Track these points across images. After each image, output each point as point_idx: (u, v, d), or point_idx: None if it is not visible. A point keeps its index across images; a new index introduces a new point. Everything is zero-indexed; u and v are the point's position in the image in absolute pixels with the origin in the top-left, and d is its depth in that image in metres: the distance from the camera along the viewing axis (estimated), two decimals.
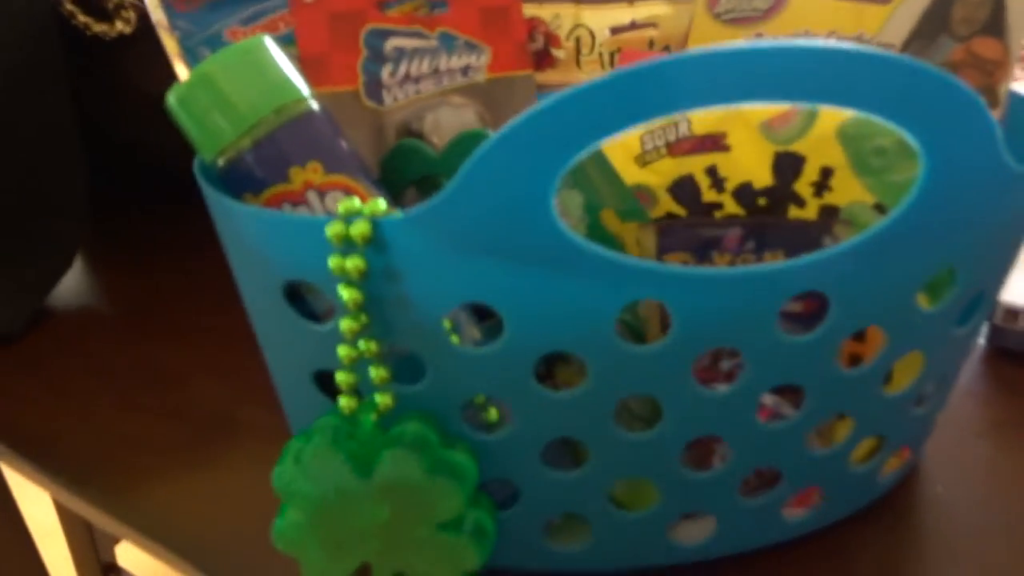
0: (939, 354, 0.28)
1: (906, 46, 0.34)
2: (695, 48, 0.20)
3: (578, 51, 0.39)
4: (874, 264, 0.24)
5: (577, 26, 0.39)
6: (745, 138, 0.31)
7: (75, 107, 0.48)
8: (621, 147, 0.33)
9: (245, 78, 0.28)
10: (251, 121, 0.27)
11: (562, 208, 0.31)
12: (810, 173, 0.30)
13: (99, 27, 0.48)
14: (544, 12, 0.39)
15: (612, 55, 0.39)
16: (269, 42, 0.28)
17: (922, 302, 0.26)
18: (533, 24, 0.39)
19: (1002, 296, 0.40)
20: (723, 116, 0.32)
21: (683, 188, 0.32)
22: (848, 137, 0.30)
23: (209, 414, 0.41)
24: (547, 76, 0.39)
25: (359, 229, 0.23)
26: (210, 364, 0.44)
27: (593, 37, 0.39)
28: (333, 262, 0.23)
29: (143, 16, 0.49)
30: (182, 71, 0.30)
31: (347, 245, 0.23)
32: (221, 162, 0.28)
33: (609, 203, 0.31)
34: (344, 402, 0.25)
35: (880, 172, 0.29)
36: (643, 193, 0.33)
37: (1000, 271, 0.28)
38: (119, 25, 0.49)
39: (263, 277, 0.27)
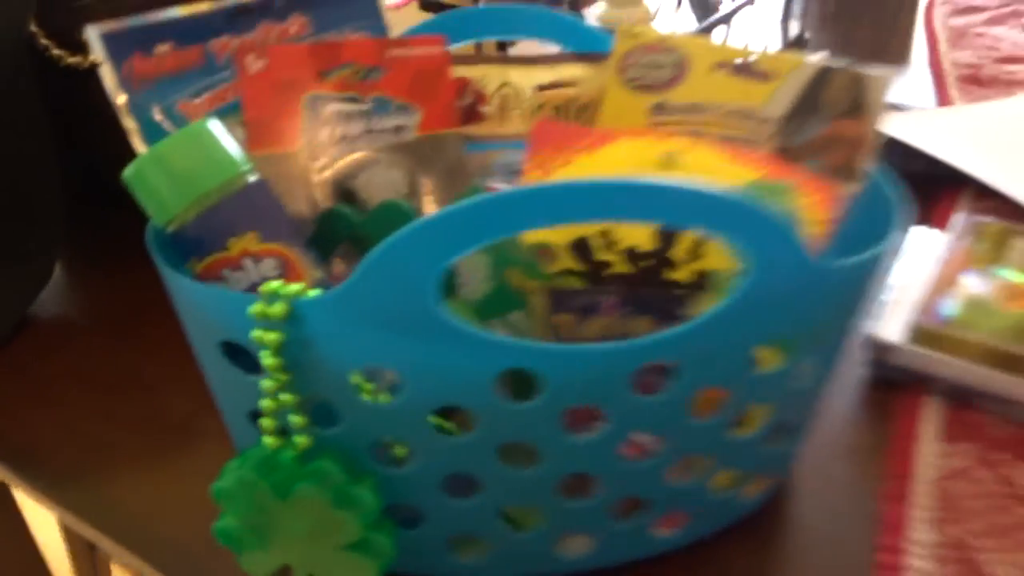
0: (784, 405, 0.33)
1: (784, 121, 0.39)
2: (550, 180, 0.25)
3: (503, 107, 0.43)
4: (709, 341, 0.29)
5: (504, 84, 0.43)
6: None
7: (53, 127, 0.52)
8: None
9: (190, 158, 0.32)
10: (194, 196, 0.32)
11: (471, 269, 0.36)
12: (685, 242, 0.35)
13: (72, 59, 0.52)
14: (473, 72, 0.43)
15: (535, 110, 0.44)
16: (214, 124, 0.33)
17: (772, 361, 0.31)
18: (463, 83, 0.43)
19: (879, 332, 0.45)
20: None
21: (580, 248, 0.37)
22: None
23: (177, 423, 0.46)
24: (476, 129, 0.44)
25: (277, 309, 0.28)
26: (180, 375, 0.49)
27: (518, 94, 0.43)
28: (255, 335, 0.28)
29: None
30: (140, 147, 0.35)
31: (267, 321, 0.28)
32: (170, 229, 0.32)
33: (513, 263, 0.36)
34: (268, 441, 0.30)
35: None
36: (546, 250, 0.37)
37: (834, 339, 0.32)
38: (92, 56, 0.53)
39: (203, 334, 0.31)
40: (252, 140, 0.38)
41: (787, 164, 0.34)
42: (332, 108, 0.39)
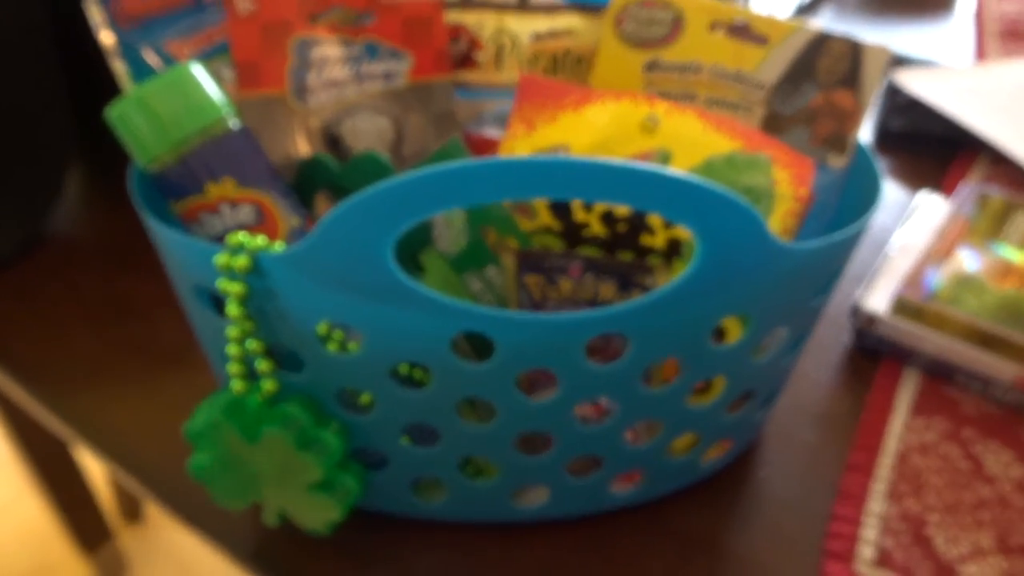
0: (746, 378, 0.33)
1: (777, 87, 0.38)
2: (500, 156, 0.25)
3: (499, 55, 0.43)
4: (663, 315, 0.29)
5: (499, 32, 0.43)
6: None
7: (64, 57, 0.53)
8: None
9: (172, 102, 0.32)
10: (175, 139, 0.33)
11: (446, 221, 0.36)
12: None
13: None
14: (468, 19, 0.42)
15: (531, 59, 0.43)
16: (197, 68, 0.33)
17: (735, 334, 0.31)
18: (457, 30, 0.42)
19: (864, 303, 0.45)
20: (596, 149, 0.36)
21: (559, 207, 0.37)
22: None
23: (167, 350, 0.47)
24: (470, 76, 0.43)
25: (240, 262, 0.28)
26: (173, 303, 0.51)
27: (514, 42, 0.43)
28: (220, 284, 0.29)
29: None
30: (128, 87, 0.35)
31: (232, 272, 0.29)
32: (151, 171, 0.33)
33: (489, 219, 0.36)
34: (235, 385, 0.32)
35: None
36: (526, 207, 0.38)
37: (792, 319, 0.33)
38: None
39: (178, 277, 0.32)
40: (241, 81, 0.38)
41: (766, 136, 0.34)
42: (321, 51, 0.39)
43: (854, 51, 0.36)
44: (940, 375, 0.44)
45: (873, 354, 0.46)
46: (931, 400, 0.43)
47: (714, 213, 0.26)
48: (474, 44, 0.43)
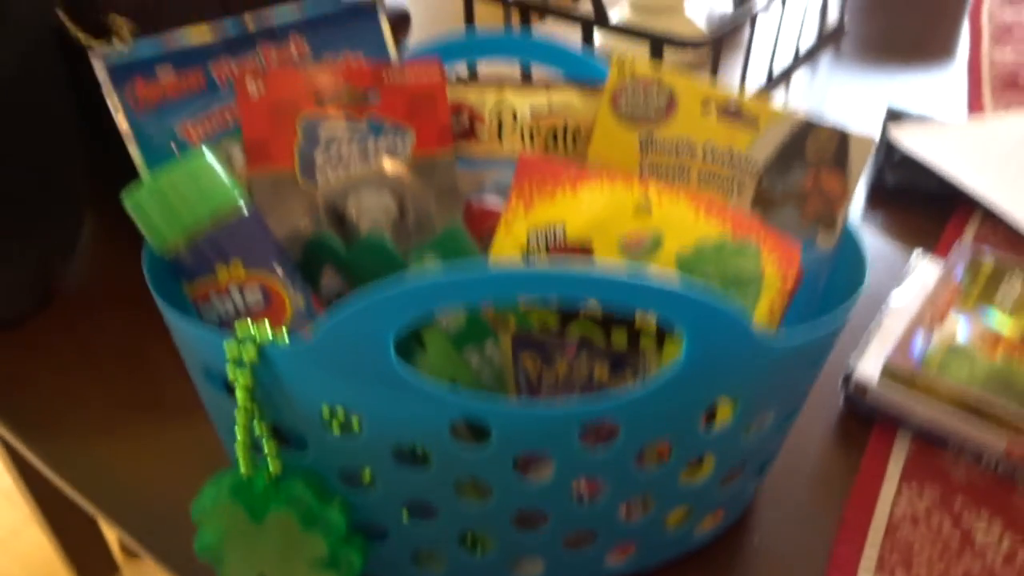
0: (734, 456, 0.34)
1: (767, 167, 0.39)
2: (496, 265, 0.26)
3: (500, 128, 0.44)
4: (652, 404, 0.30)
5: (500, 106, 0.44)
6: (607, 250, 0.37)
7: (79, 108, 0.54)
8: (512, 237, 0.39)
9: (185, 189, 0.34)
10: (187, 226, 0.34)
11: None
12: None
13: (97, 44, 0.54)
14: (469, 95, 0.44)
15: (531, 132, 0.45)
16: (209, 155, 0.35)
17: (724, 413, 0.32)
18: (459, 105, 0.44)
19: (856, 369, 0.46)
20: (591, 229, 0.37)
21: None
22: (683, 265, 0.35)
23: (177, 404, 0.49)
24: (472, 148, 0.45)
25: (248, 353, 0.30)
26: (180, 359, 0.52)
27: (515, 115, 0.44)
28: (229, 372, 0.30)
29: (136, 33, 0.54)
30: (143, 170, 0.37)
31: (240, 362, 0.30)
32: (164, 254, 0.35)
33: None
34: (242, 467, 0.33)
35: None
36: None
37: (779, 403, 0.34)
38: (115, 41, 0.54)
39: (188, 357, 0.34)
40: (250, 160, 0.39)
41: (755, 221, 0.35)
42: (328, 130, 0.40)
43: (841, 138, 0.38)
44: (932, 442, 0.45)
45: (866, 418, 0.47)
46: (923, 467, 0.44)
47: (701, 315, 0.28)
48: (475, 118, 0.44)
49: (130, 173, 0.38)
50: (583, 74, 0.46)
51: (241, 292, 0.35)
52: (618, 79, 0.42)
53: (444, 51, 0.45)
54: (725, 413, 0.35)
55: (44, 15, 0.52)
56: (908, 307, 0.50)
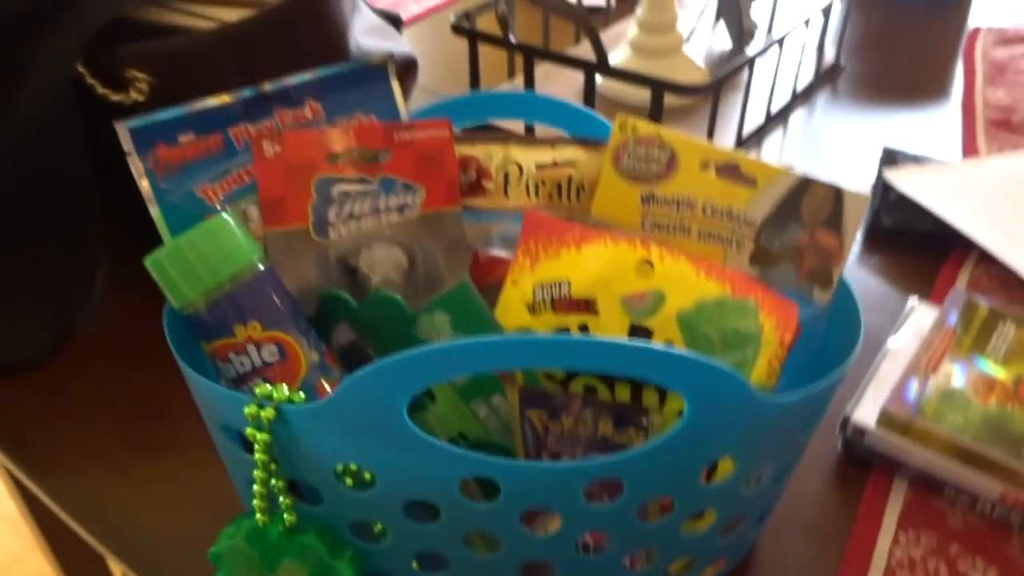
0: (734, 508, 0.36)
1: (764, 224, 0.41)
2: (505, 335, 0.27)
3: (506, 182, 0.46)
4: (655, 462, 0.31)
5: (507, 162, 0.46)
6: (610, 307, 0.38)
7: (97, 159, 0.56)
8: (519, 293, 0.40)
9: (205, 251, 0.35)
10: (207, 287, 0.35)
11: None
12: (658, 341, 0.37)
13: (116, 96, 0.56)
14: (477, 151, 0.45)
15: (537, 186, 0.46)
16: (227, 217, 0.36)
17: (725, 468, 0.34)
18: (466, 161, 0.45)
19: (853, 415, 0.47)
20: (594, 286, 0.39)
21: None
22: (684, 323, 0.37)
23: (192, 448, 0.50)
24: (479, 202, 0.46)
25: (267, 413, 0.31)
26: (195, 406, 0.53)
27: (521, 170, 0.46)
28: (248, 432, 0.31)
29: (154, 86, 0.56)
30: (163, 230, 0.38)
31: (259, 422, 0.31)
32: (184, 313, 0.36)
33: None
34: (259, 517, 0.34)
35: (707, 353, 0.36)
36: None
37: (780, 457, 0.35)
38: (133, 94, 0.56)
39: (207, 414, 0.35)
40: (266, 218, 0.41)
41: (752, 281, 0.36)
42: (341, 188, 0.42)
43: (836, 195, 0.39)
44: (928, 488, 0.46)
45: (864, 462, 0.48)
46: (919, 513, 0.45)
47: (701, 380, 0.29)
48: (482, 173, 0.46)
49: (147, 220, 0.39)
50: (587, 131, 0.48)
51: (258, 349, 0.36)
52: (620, 137, 0.43)
53: (451, 111, 0.47)
54: (726, 467, 0.36)
55: (65, 67, 0.53)
56: (904, 352, 0.51)
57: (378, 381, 0.29)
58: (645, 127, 0.43)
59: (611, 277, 0.38)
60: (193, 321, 0.36)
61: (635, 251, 0.38)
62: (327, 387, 0.37)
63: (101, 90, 0.56)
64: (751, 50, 0.80)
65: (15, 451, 0.50)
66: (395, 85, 0.44)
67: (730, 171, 0.41)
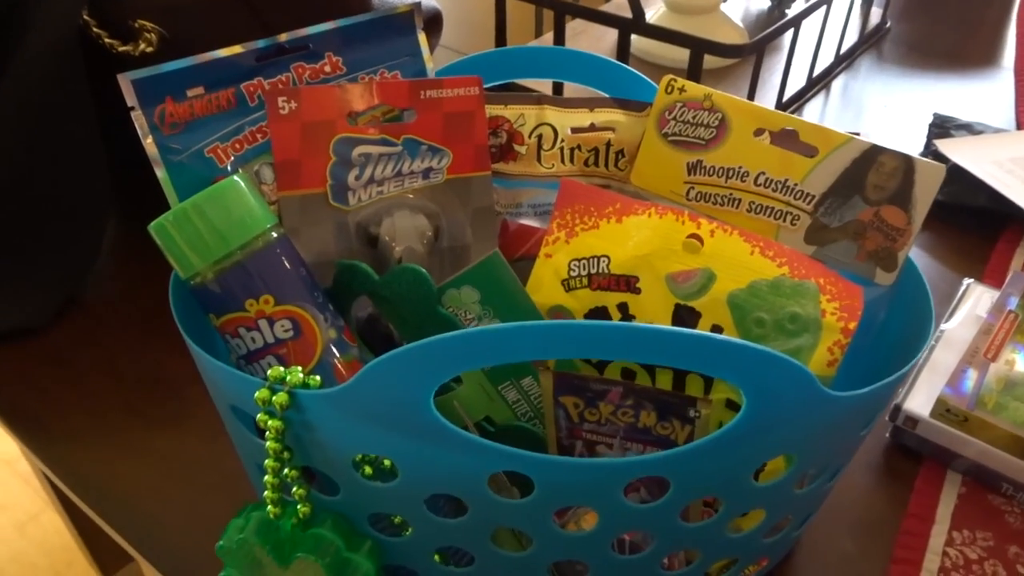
0: (784, 509, 0.33)
1: (824, 198, 0.37)
2: (546, 322, 0.24)
3: (539, 147, 0.42)
4: (705, 461, 0.28)
5: (540, 124, 0.42)
6: (653, 286, 0.35)
7: (101, 116, 0.53)
8: (552, 267, 0.37)
9: (214, 218, 0.32)
10: (215, 256, 0.32)
11: None
12: (703, 327, 0.34)
13: (123, 48, 0.52)
14: (508, 112, 0.42)
15: (572, 151, 0.43)
16: (239, 182, 0.33)
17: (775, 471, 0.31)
18: (498, 122, 0.42)
19: (906, 404, 0.44)
20: (636, 262, 0.35)
21: (598, 316, 0.36)
22: (735, 305, 0.33)
23: (201, 424, 0.47)
24: (510, 168, 0.43)
25: (279, 399, 0.28)
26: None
27: (555, 133, 0.42)
28: (260, 418, 0.29)
29: (164, 37, 0.53)
30: (169, 192, 0.35)
31: (271, 408, 0.28)
32: (191, 283, 0.33)
33: None
34: (270, 509, 0.31)
35: (759, 339, 0.33)
36: (564, 314, 0.37)
37: (836, 455, 0.32)
38: (142, 45, 0.53)
39: (216, 394, 0.32)
40: (280, 182, 0.38)
41: (813, 261, 0.33)
42: (361, 150, 0.39)
43: (907, 167, 0.35)
44: (984, 483, 0.43)
45: (913, 453, 0.45)
46: (975, 510, 0.42)
47: (763, 373, 0.26)
48: (514, 136, 0.42)
49: (155, 180, 0.36)
50: (628, 93, 0.44)
51: (271, 325, 0.33)
52: (666, 99, 0.40)
53: (481, 67, 0.43)
54: (777, 465, 0.33)
55: (70, 19, 0.50)
56: (959, 337, 0.48)
57: (402, 368, 0.26)
58: (694, 88, 0.39)
59: (655, 253, 0.35)
60: (200, 293, 0.33)
61: (683, 225, 0.35)
62: (345, 368, 0.34)
63: (107, 40, 0.52)
64: (796, 9, 0.76)
65: (17, 420, 0.48)
66: (422, 38, 0.41)
67: (787, 139, 0.38)
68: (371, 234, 0.39)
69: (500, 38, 0.75)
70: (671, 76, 0.39)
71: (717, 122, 0.39)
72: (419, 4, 0.42)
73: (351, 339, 0.35)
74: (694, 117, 0.39)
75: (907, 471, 0.44)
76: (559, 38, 0.70)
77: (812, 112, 0.77)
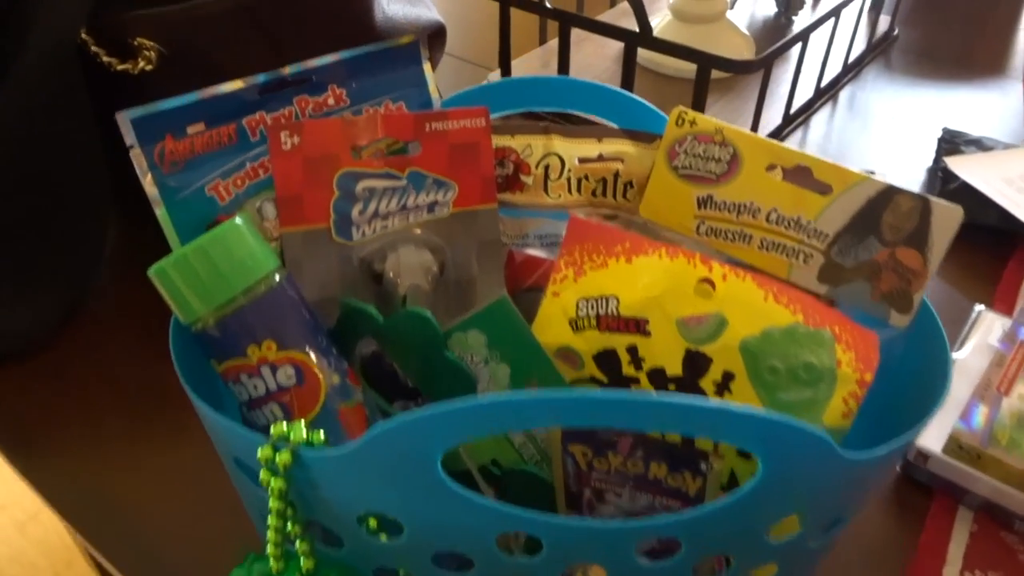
0: (795, 562, 0.32)
1: (838, 237, 0.36)
2: (563, 390, 0.24)
3: (546, 177, 0.42)
4: (718, 523, 0.28)
5: (547, 154, 0.41)
6: (664, 328, 0.34)
7: (103, 132, 0.52)
8: (560, 306, 0.37)
9: (215, 262, 0.32)
10: (217, 302, 0.32)
11: (491, 377, 0.35)
12: (714, 373, 0.34)
13: (122, 66, 0.51)
14: (515, 142, 0.41)
15: (579, 181, 0.42)
16: (240, 224, 0.32)
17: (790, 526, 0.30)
18: (504, 153, 0.41)
19: (917, 439, 0.43)
20: (647, 304, 0.35)
21: (606, 359, 0.36)
22: (748, 352, 0.33)
23: (204, 444, 0.47)
24: (516, 198, 0.42)
25: (283, 458, 0.27)
26: None
27: (563, 163, 0.42)
28: (263, 477, 0.28)
29: (163, 55, 0.52)
30: (169, 232, 0.34)
31: (274, 466, 0.28)
32: (192, 329, 0.32)
33: (534, 375, 0.35)
34: (273, 564, 0.31)
35: (772, 388, 0.33)
36: (572, 355, 0.36)
37: (850, 508, 0.31)
38: (141, 63, 0.52)
39: (219, 444, 0.32)
40: (283, 218, 0.37)
41: (829, 308, 0.32)
42: (366, 184, 0.38)
43: (923, 208, 0.35)
44: (997, 520, 0.42)
45: (925, 485, 0.44)
46: (987, 548, 0.41)
47: (782, 441, 0.25)
48: (521, 167, 0.41)
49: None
50: (637, 123, 0.43)
51: (273, 371, 0.32)
52: (676, 131, 0.39)
53: (486, 97, 0.42)
54: (790, 520, 0.32)
55: (68, 35, 0.49)
56: (971, 367, 0.47)
57: (410, 434, 0.25)
58: (704, 122, 0.38)
59: (665, 295, 0.34)
60: (202, 338, 0.32)
61: (694, 268, 0.34)
62: (349, 414, 0.34)
63: (106, 59, 0.51)
64: (803, 17, 0.74)
65: (12, 439, 0.47)
66: (427, 68, 0.40)
67: (801, 175, 0.37)
68: (375, 271, 0.38)
69: (504, 45, 0.74)
70: (681, 108, 0.39)
71: (729, 156, 0.38)
72: (426, 31, 0.41)
73: (355, 382, 0.35)
74: (705, 151, 0.38)
75: (918, 505, 0.44)
76: (564, 50, 0.69)
77: (819, 124, 0.76)
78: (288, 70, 0.36)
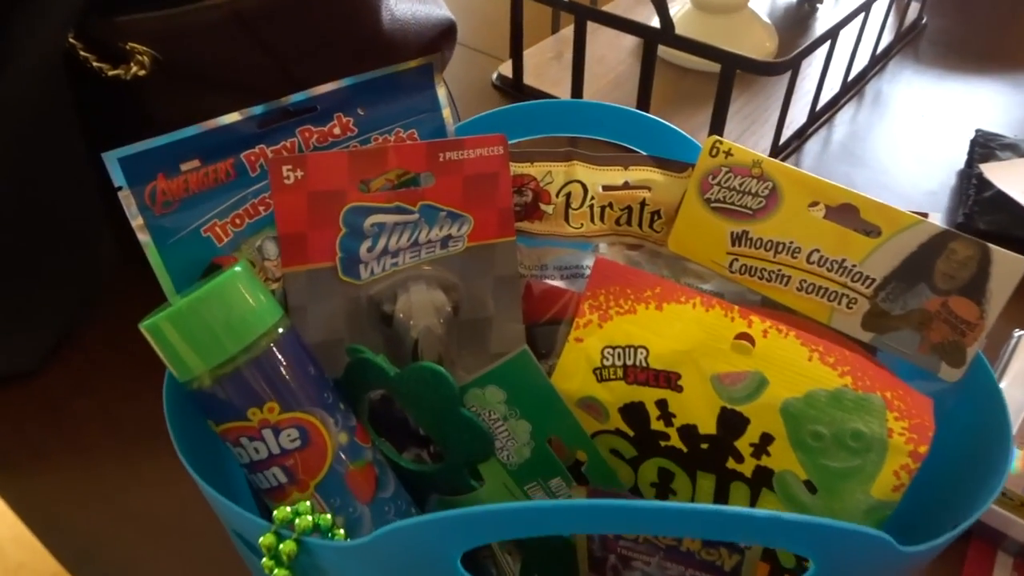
0: None
1: (885, 282, 0.34)
2: (593, 500, 0.21)
3: (567, 205, 0.39)
4: None
5: (569, 182, 0.38)
6: (697, 385, 0.32)
7: (94, 143, 0.49)
8: (584, 353, 0.34)
9: (212, 319, 0.29)
10: (214, 361, 0.29)
11: (510, 433, 0.32)
12: (751, 434, 0.31)
13: (114, 71, 0.48)
14: (535, 170, 0.38)
15: (603, 209, 0.39)
16: (242, 274, 0.29)
17: None
18: (523, 180, 0.38)
19: None
20: (678, 357, 0.32)
21: (633, 412, 0.33)
22: (790, 415, 0.30)
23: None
24: (534, 227, 0.39)
25: (287, 547, 0.25)
26: None
27: (585, 191, 0.39)
28: (265, 564, 0.26)
29: (157, 60, 0.49)
30: (163, 280, 0.32)
31: (278, 556, 0.25)
32: (189, 389, 0.30)
33: (556, 431, 0.33)
34: None
35: (815, 453, 0.30)
36: (596, 406, 0.34)
37: None
38: (134, 68, 0.49)
39: (220, 515, 0.29)
40: (286, 256, 0.34)
41: (880, 369, 0.30)
42: (374, 220, 0.35)
43: (982, 256, 0.32)
44: None
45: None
46: None
47: (839, 546, 0.23)
48: (540, 195, 0.39)
49: None
50: (667, 151, 0.40)
51: (276, 434, 0.30)
52: (710, 162, 0.36)
53: (503, 123, 0.39)
54: None
55: (55, 40, 0.46)
56: (1012, 399, 0.45)
57: (425, 535, 0.23)
58: (741, 153, 0.35)
59: (699, 349, 0.32)
60: (199, 398, 0.30)
61: (732, 322, 0.32)
62: (358, 475, 0.31)
63: (96, 64, 0.48)
64: (827, 9, 0.71)
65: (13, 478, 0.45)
66: (441, 92, 0.37)
67: (846, 214, 0.34)
68: (385, 312, 0.36)
69: (516, 35, 0.71)
70: (716, 138, 0.36)
71: (767, 191, 0.35)
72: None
73: (364, 439, 0.32)
74: (741, 184, 0.36)
75: (955, 549, 0.42)
76: (580, 44, 0.65)
77: (844, 122, 0.72)
78: (290, 99, 0.33)
